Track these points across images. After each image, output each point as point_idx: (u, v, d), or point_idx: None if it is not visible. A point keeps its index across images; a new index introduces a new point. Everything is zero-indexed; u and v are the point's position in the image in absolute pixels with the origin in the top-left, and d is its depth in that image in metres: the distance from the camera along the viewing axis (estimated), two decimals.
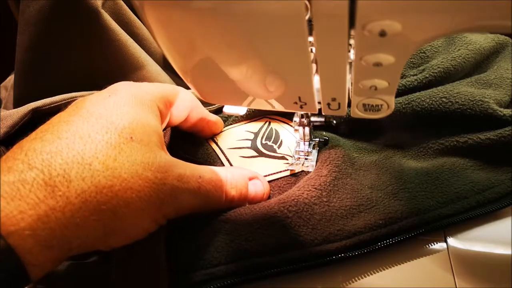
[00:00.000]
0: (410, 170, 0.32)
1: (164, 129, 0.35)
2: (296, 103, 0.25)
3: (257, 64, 0.22)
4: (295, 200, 0.29)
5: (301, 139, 0.36)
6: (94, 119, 0.24)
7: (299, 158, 0.35)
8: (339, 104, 0.24)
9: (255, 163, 0.35)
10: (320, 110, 0.26)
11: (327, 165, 0.32)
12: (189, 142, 0.38)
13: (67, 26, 0.36)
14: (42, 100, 0.36)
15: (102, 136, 0.23)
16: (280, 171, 0.35)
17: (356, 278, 0.28)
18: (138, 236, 0.25)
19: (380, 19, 0.17)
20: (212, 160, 0.36)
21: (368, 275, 0.28)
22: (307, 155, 0.35)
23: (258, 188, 0.31)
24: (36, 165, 0.21)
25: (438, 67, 0.36)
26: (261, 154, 0.36)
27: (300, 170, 0.34)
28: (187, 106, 0.33)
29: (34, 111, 0.35)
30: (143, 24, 0.21)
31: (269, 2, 0.17)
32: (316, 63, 0.21)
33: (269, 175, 0.34)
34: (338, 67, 0.21)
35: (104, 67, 0.37)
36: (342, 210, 0.29)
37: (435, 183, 0.30)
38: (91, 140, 0.23)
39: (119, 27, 0.38)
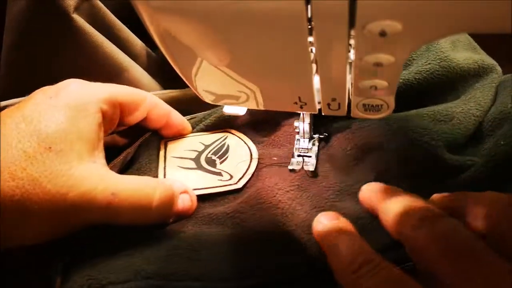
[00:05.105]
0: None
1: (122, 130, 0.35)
2: (296, 103, 0.25)
3: (257, 64, 0.22)
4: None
5: (301, 135, 0.35)
6: (24, 125, 0.26)
7: (299, 155, 0.35)
8: (339, 104, 0.24)
9: (188, 174, 0.34)
10: (320, 110, 0.26)
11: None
12: (143, 145, 0.37)
13: (44, 27, 0.36)
14: (11, 100, 0.36)
15: (22, 145, 0.25)
16: (210, 187, 0.33)
17: None
18: (42, 240, 0.27)
19: (380, 19, 0.17)
20: (153, 166, 0.35)
21: None
22: (307, 152, 0.35)
23: (186, 203, 0.31)
24: None
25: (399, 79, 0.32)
26: (199, 167, 0.35)
27: (299, 168, 0.34)
28: (145, 107, 0.33)
29: (1, 109, 0.34)
30: (144, 25, 0.20)
31: (269, 2, 0.17)
32: (316, 63, 0.21)
33: (198, 189, 0.33)
34: (338, 67, 0.21)
35: (85, 68, 0.37)
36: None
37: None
38: (12, 148, 0.25)
39: (94, 30, 0.37)
